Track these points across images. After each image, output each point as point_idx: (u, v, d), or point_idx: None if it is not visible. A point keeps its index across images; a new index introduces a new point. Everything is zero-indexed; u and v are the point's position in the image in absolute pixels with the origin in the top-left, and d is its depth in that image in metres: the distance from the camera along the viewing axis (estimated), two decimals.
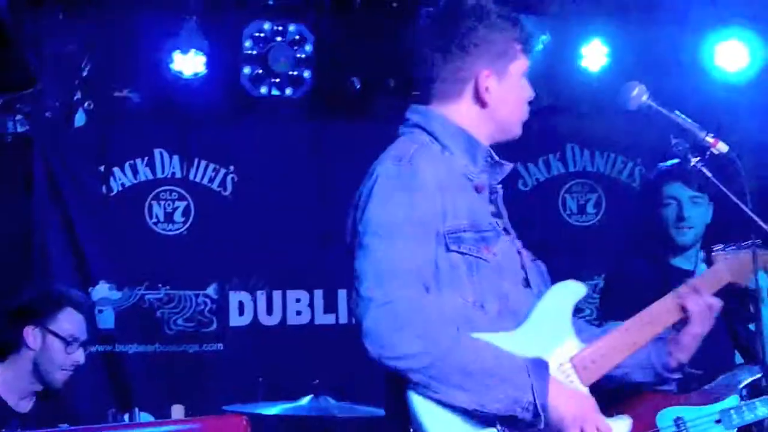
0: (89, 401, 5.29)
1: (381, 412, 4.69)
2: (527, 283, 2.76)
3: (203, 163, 5.76)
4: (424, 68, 2.84)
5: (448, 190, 2.63)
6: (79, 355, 4.19)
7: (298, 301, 5.77)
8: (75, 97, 5.57)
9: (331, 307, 5.78)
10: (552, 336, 2.65)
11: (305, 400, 4.47)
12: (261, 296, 5.73)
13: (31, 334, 4.12)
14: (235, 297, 5.72)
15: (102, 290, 5.56)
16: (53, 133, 5.58)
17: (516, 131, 2.86)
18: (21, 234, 5.48)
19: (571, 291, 2.76)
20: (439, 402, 2.45)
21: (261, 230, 5.72)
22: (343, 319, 5.77)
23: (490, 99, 2.77)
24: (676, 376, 2.95)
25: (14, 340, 4.17)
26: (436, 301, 2.52)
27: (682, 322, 2.86)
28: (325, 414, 4.46)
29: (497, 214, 2.80)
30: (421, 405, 2.43)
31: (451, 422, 2.44)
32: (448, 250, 2.59)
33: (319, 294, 5.78)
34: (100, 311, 5.54)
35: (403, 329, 2.42)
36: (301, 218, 5.75)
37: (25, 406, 4.18)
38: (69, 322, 4.18)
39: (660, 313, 2.83)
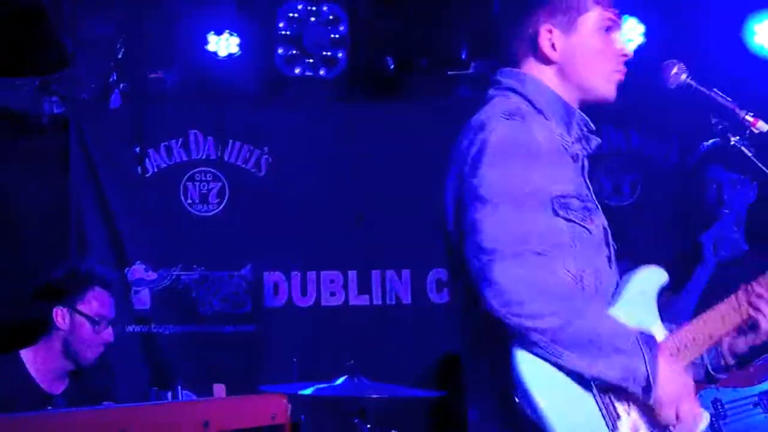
0: (126, 382, 5.33)
1: (415, 392, 4.75)
2: (610, 262, 2.65)
3: (237, 144, 5.76)
4: (500, 29, 2.77)
5: (555, 154, 2.55)
6: (107, 334, 4.22)
7: (332, 282, 5.77)
8: (110, 79, 5.60)
9: (365, 288, 5.76)
10: (642, 319, 2.56)
11: (340, 381, 4.46)
12: (295, 277, 5.73)
13: (60, 315, 4.14)
14: (269, 278, 5.72)
15: (138, 271, 5.58)
16: (89, 115, 5.61)
17: (603, 92, 2.71)
18: (58, 216, 5.51)
19: (657, 276, 2.66)
20: (551, 363, 2.37)
21: (295, 211, 5.72)
22: (377, 300, 5.76)
23: (558, 56, 2.65)
24: (723, 377, 2.89)
25: (44, 321, 4.20)
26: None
27: (745, 324, 2.72)
28: (361, 394, 4.46)
29: (588, 187, 2.68)
30: (527, 364, 2.35)
31: (553, 383, 2.36)
32: (555, 214, 2.48)
33: (353, 275, 5.76)
34: (137, 292, 5.57)
35: (535, 287, 2.33)
36: (336, 199, 5.75)
37: (58, 387, 4.21)
38: (97, 301, 4.20)
39: (729, 310, 2.70)
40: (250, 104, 5.78)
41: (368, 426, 4.36)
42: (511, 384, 2.36)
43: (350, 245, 5.74)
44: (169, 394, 2.03)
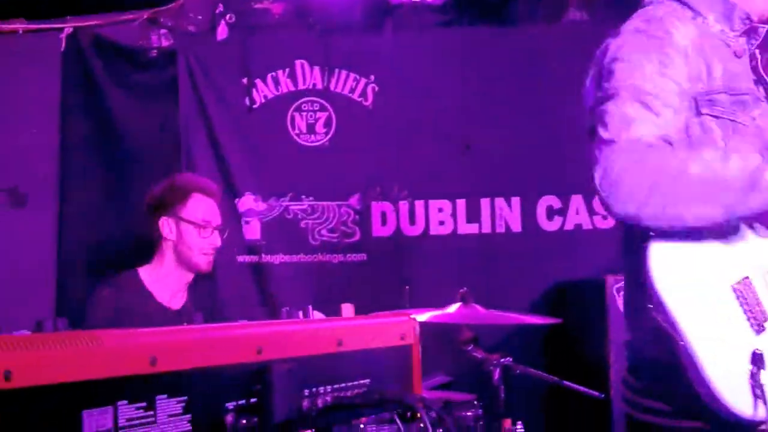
0: (239, 312, 5.40)
1: (532, 318, 4.72)
2: None
3: (344, 73, 5.74)
4: None
5: (701, 52, 2.51)
6: (215, 239, 4.28)
7: (440, 210, 5.74)
8: (217, 11, 5.61)
9: (473, 216, 5.73)
10: None
11: (453, 308, 4.45)
12: (403, 206, 5.72)
13: (166, 225, 4.23)
14: (377, 207, 5.73)
15: (248, 202, 5.63)
16: (197, 47, 5.64)
17: None
18: (169, 148, 5.57)
19: None
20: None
21: (403, 140, 5.69)
22: (486, 228, 5.72)
23: None
24: None
25: (155, 236, 4.29)
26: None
27: None
28: (477, 322, 4.45)
29: (759, 81, 2.62)
30: (661, 269, 2.30)
31: (689, 285, 2.32)
32: (698, 114, 2.46)
33: (461, 204, 5.73)
34: (246, 222, 5.63)
35: (657, 185, 2.29)
36: (444, 126, 5.69)
37: (178, 302, 4.30)
38: (198, 206, 4.27)
39: None
40: (357, 32, 5.74)
41: (482, 353, 4.35)
42: (646, 293, 2.32)
43: (458, 173, 5.69)
44: (300, 314, 2.03)
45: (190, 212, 4.25)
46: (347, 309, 2.05)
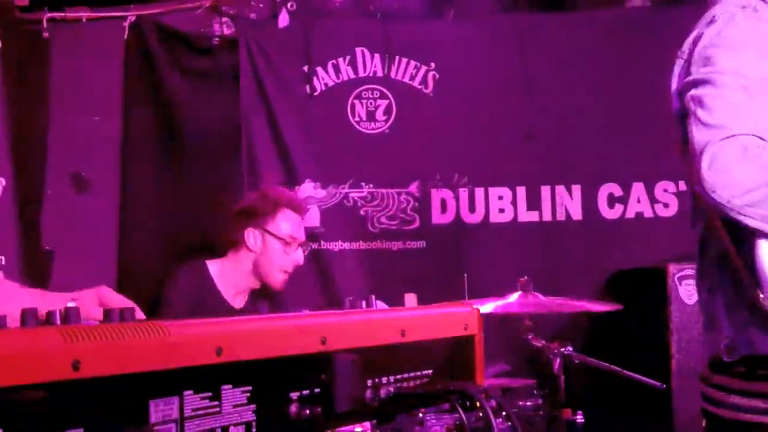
0: (298, 299, 5.43)
1: (594, 306, 4.68)
2: None
3: (404, 60, 5.73)
4: None
5: None
6: (298, 256, 4.30)
7: (500, 198, 5.72)
8: None
9: (534, 204, 5.70)
10: None
11: (513, 297, 4.43)
12: (463, 194, 5.70)
13: (252, 236, 4.26)
14: (437, 194, 5.71)
15: (307, 189, 5.64)
16: (258, 35, 5.65)
17: None
18: (230, 135, 5.60)
19: None
20: None
21: (463, 127, 5.68)
22: (547, 216, 5.69)
23: None
24: None
25: (236, 240, 4.32)
26: None
27: None
28: (534, 310, 4.42)
29: None
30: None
31: None
32: None
33: (521, 191, 5.70)
34: (306, 209, 5.63)
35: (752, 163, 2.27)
36: (504, 113, 5.67)
37: (239, 302, 4.33)
38: (286, 222, 4.30)
39: None
40: (417, 20, 5.73)
41: (542, 342, 4.33)
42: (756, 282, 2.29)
43: (519, 161, 5.67)
44: (363, 303, 2.02)
45: (277, 227, 4.27)
46: (410, 299, 2.05)
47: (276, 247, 4.25)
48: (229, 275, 4.32)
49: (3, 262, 4.92)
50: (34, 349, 1.30)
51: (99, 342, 1.37)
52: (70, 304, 1.59)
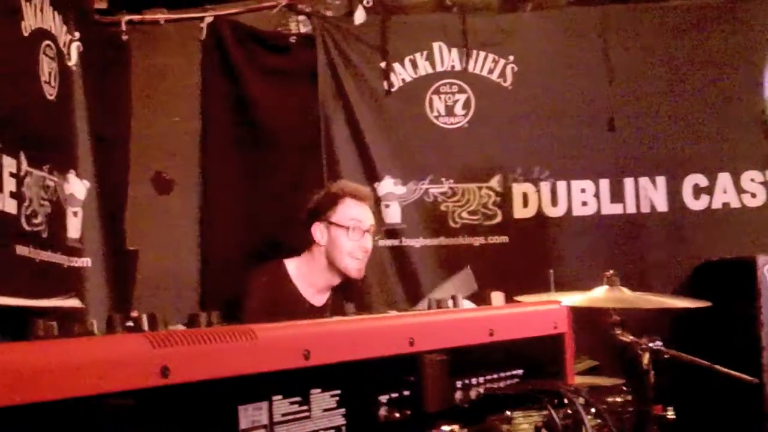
0: (381, 294, 5.41)
1: (682, 302, 4.58)
2: None
3: (482, 54, 5.67)
4: None
5: None
6: (365, 241, 4.31)
7: (583, 191, 5.63)
8: None
9: (617, 196, 5.60)
10: None
11: (599, 291, 4.35)
12: (545, 187, 5.62)
13: (318, 230, 4.28)
14: (518, 189, 5.65)
15: (387, 185, 5.62)
16: (334, 32, 5.64)
17: None
18: (309, 133, 5.60)
19: None
20: None
21: (543, 120, 5.60)
22: (631, 208, 5.59)
23: None
24: None
25: (308, 239, 4.35)
26: None
27: None
28: (621, 305, 4.34)
29: None
30: None
31: None
32: None
33: (605, 183, 5.61)
34: (387, 206, 5.62)
35: None
36: (586, 104, 5.58)
37: (319, 300, 4.34)
38: (347, 210, 4.31)
39: None
40: (494, 13, 5.67)
41: (630, 337, 4.24)
42: None
43: (601, 152, 5.58)
44: (450, 303, 1.99)
45: (339, 216, 4.29)
46: (497, 297, 2.01)
47: (341, 234, 4.27)
48: (306, 273, 4.33)
49: (89, 264, 4.97)
50: (122, 356, 1.28)
51: (187, 347, 1.36)
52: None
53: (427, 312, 1.91)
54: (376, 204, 5.54)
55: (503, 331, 2.00)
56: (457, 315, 1.94)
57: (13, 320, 1.31)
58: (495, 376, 1.97)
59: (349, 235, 4.27)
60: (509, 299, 4.47)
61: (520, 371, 2.05)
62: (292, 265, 4.36)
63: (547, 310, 2.18)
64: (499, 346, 1.99)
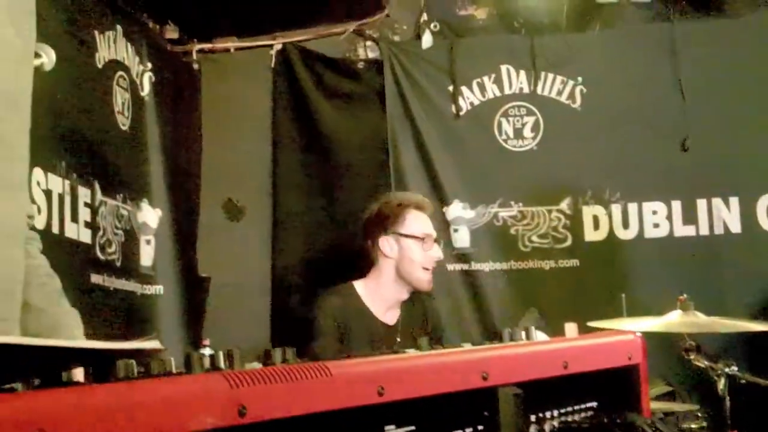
0: (450, 319, 5.39)
1: (751, 326, 4.50)
2: None
3: (551, 76, 5.65)
4: None
5: None
6: (436, 251, 4.32)
7: (654, 213, 5.57)
8: (421, 19, 5.63)
9: (690, 217, 5.53)
10: None
11: (672, 315, 4.29)
12: (616, 209, 5.57)
13: (386, 243, 4.29)
14: (589, 211, 5.60)
15: (456, 209, 5.61)
16: (402, 56, 5.67)
17: None
18: (378, 157, 5.62)
19: None
20: None
21: (613, 141, 5.55)
22: (704, 230, 5.51)
23: None
24: None
25: (372, 254, 4.35)
26: None
27: None
28: (695, 330, 4.27)
29: None
30: None
31: None
32: None
33: (677, 205, 5.54)
34: (456, 230, 5.61)
35: None
36: (656, 125, 5.52)
37: (391, 317, 4.35)
38: (416, 221, 4.33)
39: None
40: (562, 35, 5.65)
41: (705, 362, 4.18)
42: None
43: (673, 173, 5.51)
44: (523, 334, 1.98)
45: (409, 228, 4.31)
46: (571, 328, 1.99)
47: (413, 246, 4.28)
48: (376, 291, 4.35)
49: (162, 291, 5.03)
50: (200, 395, 1.30)
51: (264, 386, 1.37)
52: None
53: (501, 345, 1.90)
54: (445, 228, 5.54)
55: (577, 364, 1.98)
56: (531, 348, 1.93)
57: (94, 360, 1.33)
58: (569, 409, 1.96)
59: (422, 246, 4.28)
60: (580, 324, 4.46)
61: (594, 404, 2.03)
62: (360, 285, 4.38)
63: (621, 341, 2.16)
64: (573, 379, 1.98)
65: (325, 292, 4.40)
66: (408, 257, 4.29)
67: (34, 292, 1.89)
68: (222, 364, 1.48)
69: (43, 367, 1.29)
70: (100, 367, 1.31)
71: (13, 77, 1.77)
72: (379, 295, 4.34)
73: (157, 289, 5.00)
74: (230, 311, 5.50)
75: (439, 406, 1.66)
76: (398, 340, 4.28)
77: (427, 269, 4.32)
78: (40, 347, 1.22)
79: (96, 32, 4.49)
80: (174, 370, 1.39)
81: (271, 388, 1.37)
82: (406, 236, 4.28)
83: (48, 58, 3.37)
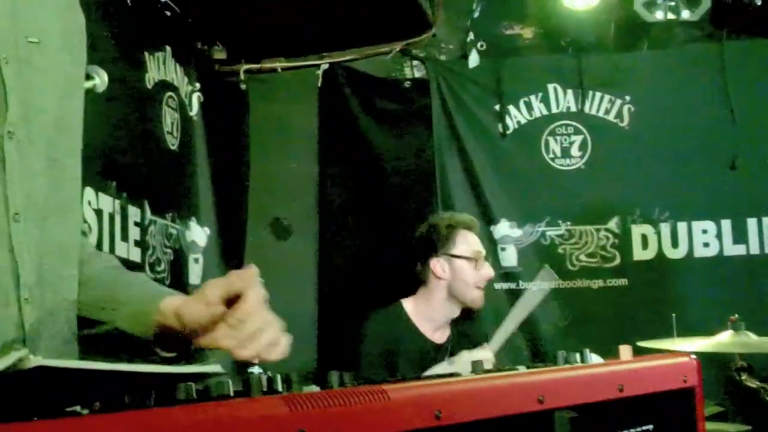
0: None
1: None
2: None
3: (598, 95, 5.64)
4: None
5: None
6: (487, 270, 4.31)
7: (704, 232, 5.53)
8: (468, 38, 5.64)
9: (740, 237, 5.48)
10: None
11: (723, 336, 4.25)
12: (665, 228, 5.53)
13: (439, 265, 4.28)
14: (637, 230, 5.57)
15: (503, 228, 5.60)
16: (449, 76, 5.68)
17: None
18: (424, 177, 5.63)
19: None
20: None
21: (662, 160, 5.53)
22: (755, 249, 5.46)
23: None
24: None
25: (423, 274, 4.34)
26: None
27: None
28: (747, 350, 4.23)
29: None
30: None
31: None
32: None
33: (726, 224, 5.50)
34: (503, 249, 5.59)
35: None
36: (706, 143, 5.49)
37: (440, 336, 4.34)
38: (466, 241, 4.32)
39: None
40: (610, 54, 5.63)
41: (757, 383, 4.14)
42: None
43: (722, 192, 5.48)
44: (578, 357, 1.96)
45: (460, 249, 4.30)
46: (625, 351, 1.98)
47: (465, 267, 4.28)
48: (425, 310, 4.34)
49: None
50: (260, 419, 1.30)
51: (323, 410, 1.36)
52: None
53: (557, 368, 1.89)
54: (492, 247, 5.52)
55: (633, 386, 1.96)
56: (586, 371, 1.91)
57: (155, 383, 1.34)
58: None
59: (474, 266, 4.28)
60: (629, 344, 4.43)
61: (650, 426, 2.01)
62: (408, 304, 4.37)
63: (676, 363, 2.13)
64: (628, 402, 1.95)
65: (373, 313, 4.39)
66: (461, 279, 4.29)
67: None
68: (279, 387, 1.48)
69: (105, 390, 1.30)
70: (162, 389, 1.32)
71: (65, 101, 1.80)
72: (430, 314, 4.33)
73: None
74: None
75: (495, 430, 1.65)
76: (447, 359, 4.27)
77: (480, 288, 4.32)
78: (102, 371, 1.22)
79: (146, 53, 4.53)
80: (232, 393, 1.40)
81: (329, 412, 1.37)
82: (458, 257, 4.28)
83: (100, 80, 3.41)
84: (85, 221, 3.74)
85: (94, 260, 1.93)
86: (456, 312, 4.36)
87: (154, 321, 1.81)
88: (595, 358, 2.07)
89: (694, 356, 2.20)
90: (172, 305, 1.84)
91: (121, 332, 1.82)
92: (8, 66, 1.65)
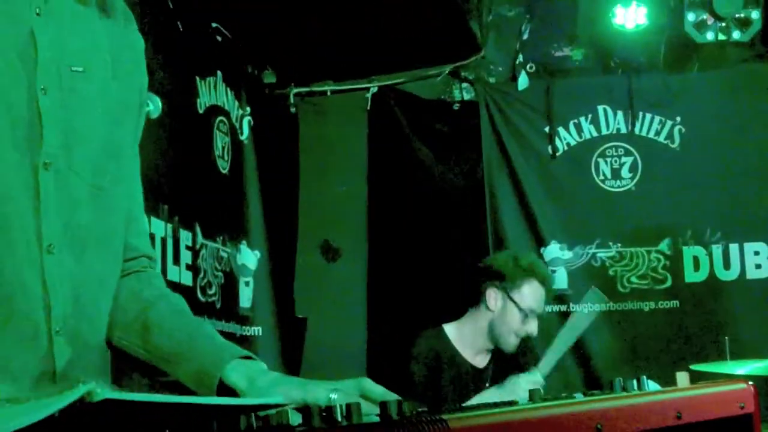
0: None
1: None
2: None
3: (648, 116, 5.61)
4: None
5: None
6: (533, 327, 4.22)
7: (756, 253, 5.47)
8: (517, 61, 5.64)
9: None
10: None
11: None
12: (717, 250, 5.49)
13: (494, 297, 4.21)
14: (689, 252, 5.53)
15: (553, 250, 5.58)
16: (498, 98, 5.68)
17: None
18: (473, 196, 5.63)
19: None
20: None
21: (713, 181, 5.49)
22: None
23: None
24: None
25: (475, 298, 4.29)
26: None
27: None
28: None
29: None
30: None
31: None
32: None
33: None
34: (553, 271, 5.55)
35: None
36: (757, 164, 5.45)
37: (481, 361, 4.30)
38: (531, 294, 4.21)
39: None
40: (660, 75, 5.60)
41: None
42: None
43: None
44: (635, 384, 1.95)
45: (522, 296, 4.21)
46: (682, 378, 1.97)
47: (515, 314, 4.18)
48: (467, 335, 4.29)
49: (260, 333, 5.07)
50: None
51: None
52: (333, 395, 1.59)
53: (614, 396, 1.87)
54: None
55: (690, 413, 1.94)
56: (644, 398, 1.90)
57: (219, 415, 1.35)
58: None
59: (523, 319, 4.20)
60: (682, 366, 4.39)
61: None
62: (451, 328, 4.33)
63: (733, 390, 2.11)
64: (686, 429, 1.94)
65: (418, 337, 4.37)
66: (506, 321, 4.21)
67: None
68: (339, 417, 1.48)
69: (170, 423, 1.30)
70: (224, 421, 1.33)
71: (115, 128, 1.79)
72: (471, 340, 4.28)
73: (255, 330, 5.05)
74: (327, 352, 5.51)
75: None
76: (487, 384, 4.24)
77: (519, 337, 4.25)
78: (168, 404, 1.23)
79: (197, 78, 4.58)
80: (291, 422, 1.40)
81: None
82: (515, 303, 4.21)
83: (154, 105, 3.46)
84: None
85: (161, 304, 1.89)
86: (491, 346, 4.29)
87: (217, 380, 1.74)
88: (652, 386, 2.06)
89: (751, 383, 2.18)
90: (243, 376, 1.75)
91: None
92: (46, 96, 1.62)
